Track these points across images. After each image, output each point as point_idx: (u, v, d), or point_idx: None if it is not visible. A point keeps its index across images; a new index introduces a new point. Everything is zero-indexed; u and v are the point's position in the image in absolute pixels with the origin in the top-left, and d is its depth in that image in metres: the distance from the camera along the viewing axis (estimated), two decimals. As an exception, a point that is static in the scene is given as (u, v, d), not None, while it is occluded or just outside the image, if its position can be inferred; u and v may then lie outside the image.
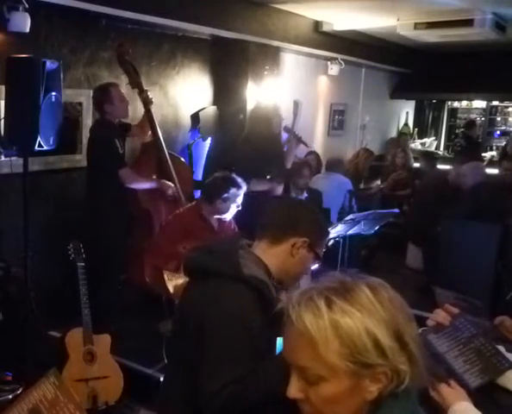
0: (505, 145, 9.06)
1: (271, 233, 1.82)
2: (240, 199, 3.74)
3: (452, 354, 1.93)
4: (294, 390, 1.05)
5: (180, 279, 3.36)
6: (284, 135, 4.91)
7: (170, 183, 4.33)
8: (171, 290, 3.47)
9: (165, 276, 3.64)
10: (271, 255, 1.80)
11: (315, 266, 1.92)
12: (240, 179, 3.72)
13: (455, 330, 1.99)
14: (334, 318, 0.99)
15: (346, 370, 0.99)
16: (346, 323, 0.99)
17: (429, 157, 7.57)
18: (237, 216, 3.93)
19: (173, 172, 4.44)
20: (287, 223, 1.82)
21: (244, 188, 3.74)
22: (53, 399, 1.53)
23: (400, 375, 1.02)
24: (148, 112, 4.36)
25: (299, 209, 1.89)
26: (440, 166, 7.44)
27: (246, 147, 4.60)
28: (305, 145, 4.97)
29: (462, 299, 2.57)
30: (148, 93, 4.36)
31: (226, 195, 3.67)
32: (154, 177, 4.37)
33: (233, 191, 3.67)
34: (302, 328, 1.00)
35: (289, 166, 4.90)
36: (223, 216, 3.79)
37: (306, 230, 1.80)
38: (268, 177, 4.62)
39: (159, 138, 4.42)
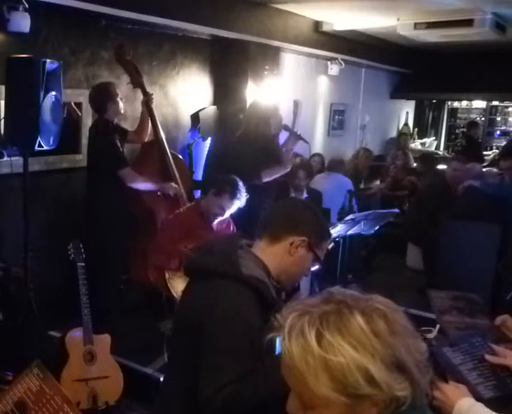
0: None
1: (271, 231, 1.82)
2: (232, 208, 3.66)
3: (466, 366, 1.93)
4: (292, 408, 1.05)
5: (182, 280, 3.36)
6: (285, 134, 4.91)
7: (171, 184, 4.33)
8: (177, 295, 3.46)
9: (167, 275, 3.65)
10: (269, 254, 1.80)
11: (314, 268, 1.91)
12: (240, 192, 3.63)
13: (471, 347, 2.00)
14: (323, 356, 0.96)
15: (339, 401, 0.98)
16: (335, 360, 0.95)
17: (427, 159, 7.55)
18: (235, 218, 3.93)
19: (176, 172, 4.44)
20: (286, 222, 1.82)
21: (238, 202, 3.65)
22: (38, 392, 1.52)
23: (398, 400, 0.99)
24: (150, 112, 4.36)
25: (300, 208, 1.89)
26: (439, 167, 7.44)
27: (241, 147, 4.60)
28: (304, 141, 4.98)
29: (460, 297, 2.56)
30: (150, 92, 4.37)
31: (220, 191, 3.63)
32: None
33: (226, 193, 3.61)
34: (290, 361, 0.99)
35: (287, 162, 4.89)
36: (212, 215, 3.73)
37: (305, 230, 1.80)
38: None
39: (161, 138, 4.42)
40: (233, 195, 3.62)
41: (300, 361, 0.97)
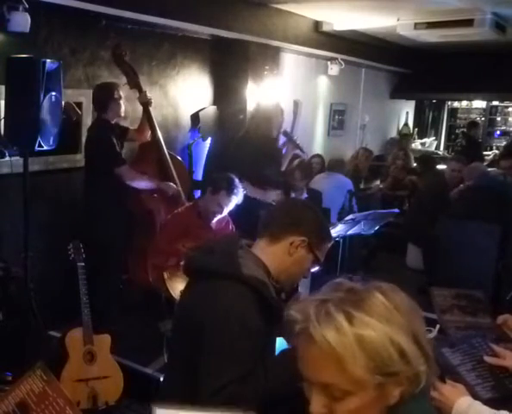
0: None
1: (271, 231, 1.82)
2: (230, 204, 3.68)
3: (465, 367, 1.93)
4: (318, 406, 1.03)
5: (181, 280, 3.36)
6: (282, 139, 4.93)
7: (170, 184, 4.33)
8: (175, 295, 3.46)
9: (165, 275, 3.65)
10: (269, 254, 1.80)
11: (314, 269, 1.91)
12: (237, 188, 3.66)
13: (471, 348, 2.00)
14: (357, 333, 0.97)
15: (373, 382, 0.98)
16: (370, 336, 0.97)
17: (426, 159, 7.54)
18: (234, 218, 3.94)
19: (174, 172, 4.44)
20: (287, 222, 1.82)
21: (235, 198, 3.67)
22: (40, 394, 1.52)
23: (419, 376, 1.01)
24: (147, 112, 4.36)
25: (301, 209, 1.89)
26: (439, 167, 7.44)
27: (242, 147, 4.60)
28: (301, 151, 5.00)
29: (463, 295, 2.55)
30: (147, 93, 4.37)
31: (216, 188, 3.64)
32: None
33: (223, 189, 3.63)
34: (326, 347, 0.98)
35: (283, 168, 4.95)
36: (211, 214, 3.74)
37: (306, 230, 1.79)
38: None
39: (158, 138, 4.42)
40: (229, 191, 3.64)
41: (337, 344, 0.97)
